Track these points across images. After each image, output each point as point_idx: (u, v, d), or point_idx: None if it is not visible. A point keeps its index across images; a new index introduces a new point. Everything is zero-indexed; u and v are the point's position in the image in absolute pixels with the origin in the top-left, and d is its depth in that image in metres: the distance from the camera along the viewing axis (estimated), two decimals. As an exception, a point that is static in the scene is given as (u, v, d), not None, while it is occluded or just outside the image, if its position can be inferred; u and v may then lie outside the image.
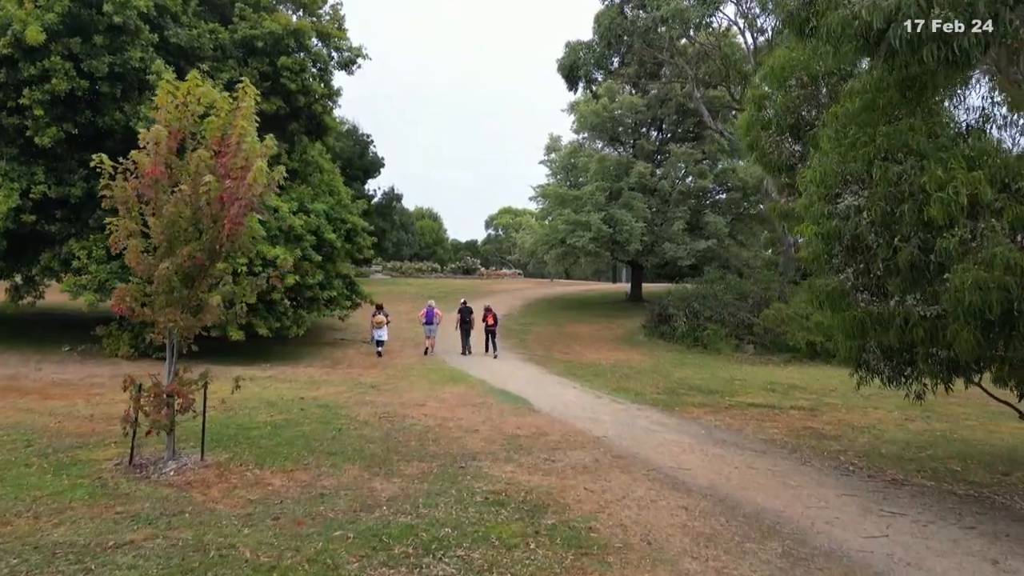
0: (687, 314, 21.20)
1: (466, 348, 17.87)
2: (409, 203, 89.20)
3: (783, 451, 8.62)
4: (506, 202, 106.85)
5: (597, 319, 26.26)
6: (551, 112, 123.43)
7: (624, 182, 28.06)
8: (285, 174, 7.32)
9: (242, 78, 7.72)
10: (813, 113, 8.18)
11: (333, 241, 16.70)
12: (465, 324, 17.96)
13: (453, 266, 49.20)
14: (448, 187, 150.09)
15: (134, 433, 6.75)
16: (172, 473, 6.59)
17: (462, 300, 18.98)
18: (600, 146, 31.30)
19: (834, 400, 12.67)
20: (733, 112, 24.40)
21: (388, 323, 18.01)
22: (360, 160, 39.30)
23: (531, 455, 7.74)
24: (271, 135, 7.31)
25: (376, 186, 51.38)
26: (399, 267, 49.49)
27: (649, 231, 27.21)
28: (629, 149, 30.53)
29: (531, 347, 20.13)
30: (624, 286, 41.76)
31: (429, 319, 17.94)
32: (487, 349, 17.83)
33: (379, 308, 18.07)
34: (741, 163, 28.70)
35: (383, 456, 7.50)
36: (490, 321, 17.85)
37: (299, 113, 17.59)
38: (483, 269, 51.37)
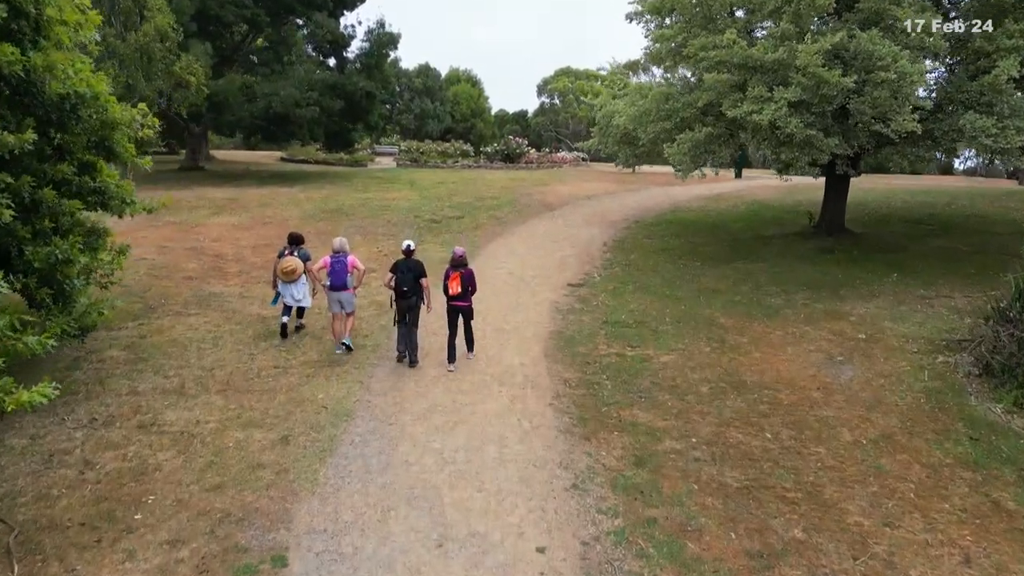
0: None
1: (406, 349, 8.12)
2: (442, 66, 70.84)
3: None
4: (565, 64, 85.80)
5: (786, 296, 11.30)
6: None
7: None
8: None
9: None
10: None
11: None
12: (405, 297, 7.98)
13: (488, 150, 33.65)
14: (496, 50, 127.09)
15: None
16: None
17: (405, 244, 8.36)
18: None
19: None
20: None
21: (308, 272, 8.82)
22: (323, -30, 22.96)
23: None
24: None
25: (355, 20, 35.41)
26: (415, 149, 34.48)
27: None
28: None
29: (668, 466, 5.68)
30: (764, 183, 25.46)
31: (338, 280, 8.40)
32: (449, 355, 8.03)
33: (293, 241, 9.00)
34: None
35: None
36: (455, 288, 7.89)
37: None
38: (532, 152, 35.45)
